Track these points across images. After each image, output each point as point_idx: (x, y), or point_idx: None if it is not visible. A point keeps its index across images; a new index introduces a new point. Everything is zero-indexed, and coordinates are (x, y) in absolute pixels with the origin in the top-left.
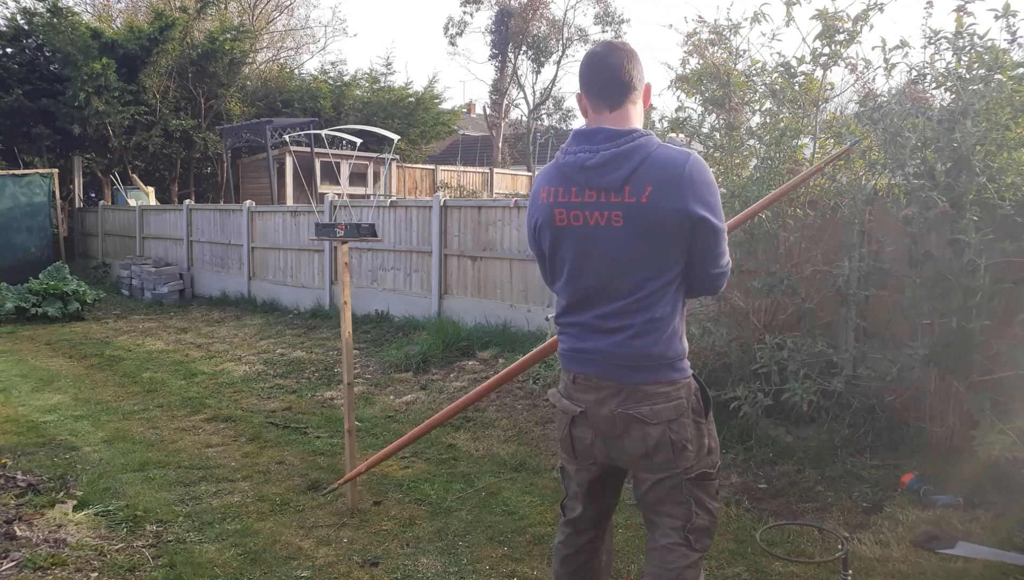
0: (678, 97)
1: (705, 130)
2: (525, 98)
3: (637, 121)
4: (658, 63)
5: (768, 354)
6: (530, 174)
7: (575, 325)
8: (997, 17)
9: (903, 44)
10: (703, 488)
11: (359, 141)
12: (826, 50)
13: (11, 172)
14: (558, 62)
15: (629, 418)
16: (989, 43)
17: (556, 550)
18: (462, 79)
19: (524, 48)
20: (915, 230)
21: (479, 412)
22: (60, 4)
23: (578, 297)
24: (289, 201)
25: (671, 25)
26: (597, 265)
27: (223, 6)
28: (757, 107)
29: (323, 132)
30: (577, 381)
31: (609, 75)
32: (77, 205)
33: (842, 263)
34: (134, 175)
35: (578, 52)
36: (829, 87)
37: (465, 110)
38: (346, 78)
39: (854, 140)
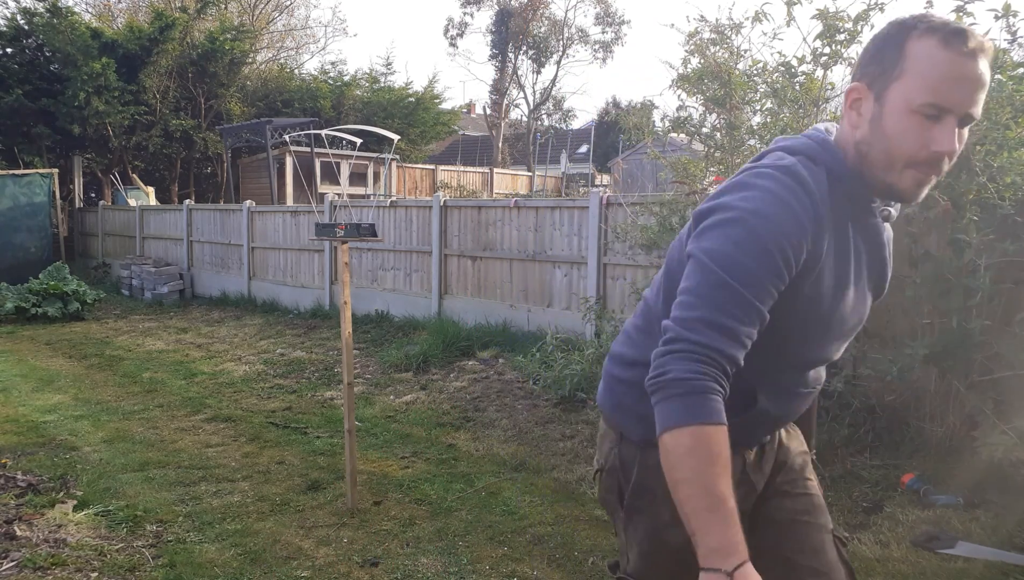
0: (679, 96)
1: (706, 130)
2: (525, 98)
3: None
4: (659, 62)
5: None
6: (530, 174)
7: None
8: (997, 17)
9: None
10: None
11: (359, 141)
12: (827, 50)
13: (11, 172)
14: (558, 62)
15: None
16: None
17: None
18: (462, 79)
19: (524, 48)
20: (915, 230)
21: (479, 412)
22: (60, 4)
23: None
24: (289, 201)
25: (672, 24)
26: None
27: (223, 6)
28: (758, 107)
29: (323, 132)
30: None
31: None
32: (77, 205)
33: None
34: (134, 175)
35: (578, 52)
36: (830, 87)
37: (465, 110)
38: (346, 78)
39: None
